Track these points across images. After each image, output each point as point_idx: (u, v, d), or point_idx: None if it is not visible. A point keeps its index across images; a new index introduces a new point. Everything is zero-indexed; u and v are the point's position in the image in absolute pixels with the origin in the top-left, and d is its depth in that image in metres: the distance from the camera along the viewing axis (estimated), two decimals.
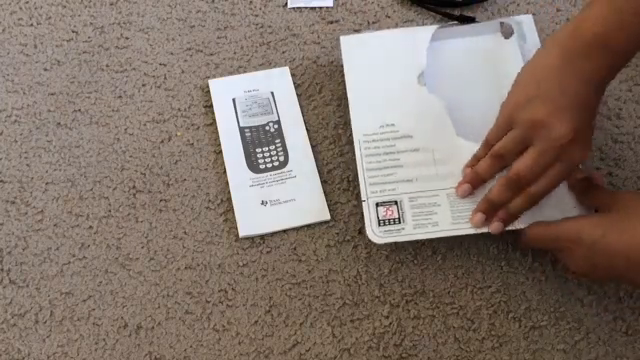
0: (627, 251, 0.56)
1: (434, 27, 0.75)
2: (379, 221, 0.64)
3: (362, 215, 0.69)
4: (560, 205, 0.63)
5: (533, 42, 0.74)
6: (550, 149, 0.59)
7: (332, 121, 0.75)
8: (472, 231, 0.63)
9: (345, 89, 0.72)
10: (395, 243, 0.67)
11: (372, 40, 0.75)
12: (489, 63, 0.75)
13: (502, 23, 0.76)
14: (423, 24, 0.81)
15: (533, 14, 0.77)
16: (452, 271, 0.66)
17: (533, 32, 0.75)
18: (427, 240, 0.67)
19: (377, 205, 0.65)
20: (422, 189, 0.66)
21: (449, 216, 0.64)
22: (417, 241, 0.66)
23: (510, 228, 0.63)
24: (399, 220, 0.64)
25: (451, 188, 0.65)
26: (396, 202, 0.65)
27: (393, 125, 0.69)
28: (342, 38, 0.75)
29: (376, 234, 0.64)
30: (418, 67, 0.72)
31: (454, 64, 0.75)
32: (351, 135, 0.73)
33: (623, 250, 0.56)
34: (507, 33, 0.76)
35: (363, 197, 0.66)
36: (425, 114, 0.69)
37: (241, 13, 0.82)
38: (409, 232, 0.64)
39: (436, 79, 0.72)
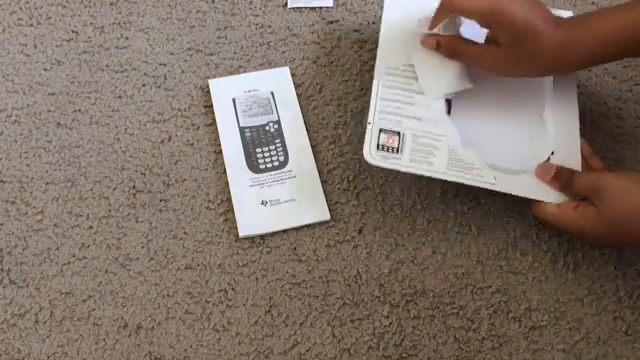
0: (632, 242, 0.62)
1: None
2: (378, 145, 0.66)
3: (362, 215, 0.69)
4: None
5: None
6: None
7: (332, 121, 0.75)
8: (463, 181, 0.64)
9: (345, 82, 0.72)
10: (395, 243, 0.67)
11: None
12: None
13: None
14: None
15: None
16: (452, 271, 0.66)
17: None
18: (411, 231, 0.67)
19: (380, 131, 0.66)
20: (427, 130, 0.67)
21: (445, 161, 0.65)
22: (410, 175, 0.66)
23: (516, 194, 0.64)
24: (397, 150, 0.66)
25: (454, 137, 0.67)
26: (399, 133, 0.66)
27: (415, 67, 0.70)
28: None
29: (372, 156, 0.65)
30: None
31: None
32: (351, 135, 0.73)
33: (629, 241, 0.62)
34: None
35: (369, 120, 0.67)
36: (446, 65, 0.70)
37: (241, 13, 0.82)
38: (404, 164, 0.65)
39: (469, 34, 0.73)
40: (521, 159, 0.67)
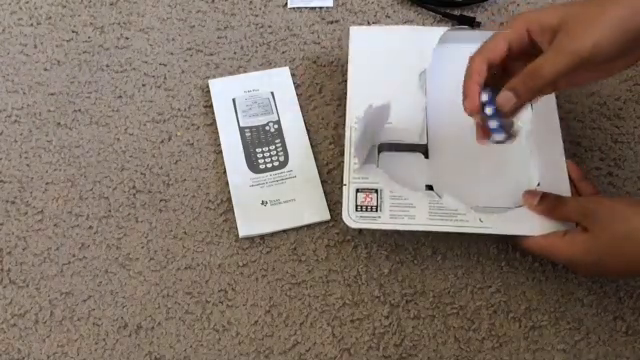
0: (625, 270, 0.59)
1: (445, 29, 0.74)
2: (356, 206, 0.64)
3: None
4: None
5: None
6: None
7: (332, 121, 0.75)
8: (447, 229, 0.63)
9: (345, 82, 0.72)
10: (395, 243, 0.67)
11: (381, 34, 0.75)
12: None
13: None
14: (423, 24, 0.81)
15: None
16: (452, 271, 0.66)
17: None
18: (410, 234, 0.67)
19: (357, 191, 0.65)
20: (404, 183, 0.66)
21: (426, 212, 0.64)
22: (392, 231, 0.66)
23: (506, 233, 0.63)
24: (376, 208, 0.64)
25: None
26: (376, 190, 0.65)
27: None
28: (352, 28, 0.75)
29: (352, 218, 0.64)
30: (421, 66, 0.72)
31: (456, 68, 0.75)
32: None
33: (623, 269, 0.58)
34: None
35: (345, 181, 0.66)
36: (419, 114, 0.69)
37: (241, 13, 0.82)
38: (384, 221, 0.63)
39: (436, 80, 0.72)
40: (506, 195, 0.65)
